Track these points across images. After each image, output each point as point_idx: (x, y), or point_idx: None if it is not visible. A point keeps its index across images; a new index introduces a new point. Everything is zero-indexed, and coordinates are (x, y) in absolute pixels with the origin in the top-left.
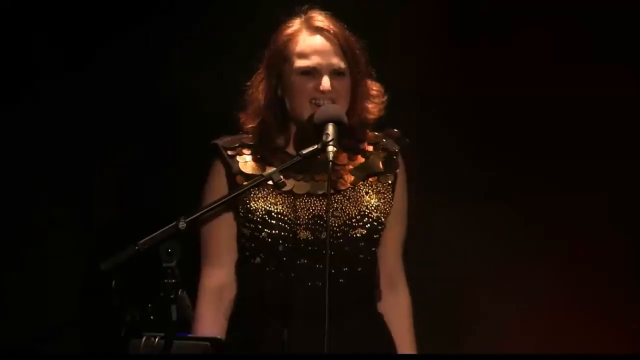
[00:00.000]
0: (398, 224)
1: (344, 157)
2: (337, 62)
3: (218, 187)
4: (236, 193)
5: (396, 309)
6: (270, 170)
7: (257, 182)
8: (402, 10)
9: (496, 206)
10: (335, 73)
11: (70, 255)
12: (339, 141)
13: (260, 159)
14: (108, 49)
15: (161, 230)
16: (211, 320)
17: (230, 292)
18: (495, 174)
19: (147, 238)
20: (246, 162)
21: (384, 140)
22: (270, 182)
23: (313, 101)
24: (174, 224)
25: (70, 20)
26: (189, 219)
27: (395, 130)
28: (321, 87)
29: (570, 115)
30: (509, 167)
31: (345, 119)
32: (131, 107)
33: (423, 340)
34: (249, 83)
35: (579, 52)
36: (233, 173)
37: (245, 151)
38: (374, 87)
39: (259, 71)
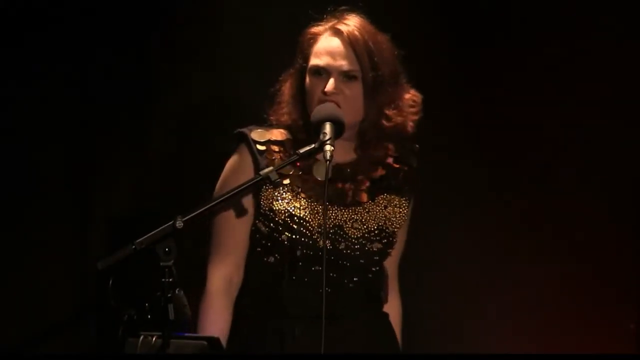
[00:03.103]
0: (403, 236)
1: (364, 168)
2: (347, 64)
3: (244, 180)
4: (234, 192)
5: (390, 314)
6: (267, 170)
7: (254, 181)
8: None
9: (495, 207)
10: (345, 76)
11: (68, 255)
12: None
13: (288, 158)
14: (108, 49)
15: (158, 229)
16: (219, 311)
17: (237, 286)
18: (494, 175)
19: (145, 237)
20: (274, 160)
21: (405, 154)
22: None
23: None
24: (171, 222)
25: (68, 20)
26: (186, 217)
27: (417, 145)
28: (326, 89)
29: (569, 116)
30: (507, 168)
31: (342, 118)
32: (131, 107)
33: (423, 339)
34: (280, 78)
35: (579, 54)
36: (261, 170)
37: (274, 147)
38: (406, 95)
39: (290, 68)
